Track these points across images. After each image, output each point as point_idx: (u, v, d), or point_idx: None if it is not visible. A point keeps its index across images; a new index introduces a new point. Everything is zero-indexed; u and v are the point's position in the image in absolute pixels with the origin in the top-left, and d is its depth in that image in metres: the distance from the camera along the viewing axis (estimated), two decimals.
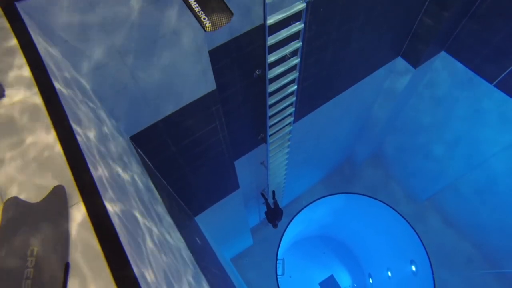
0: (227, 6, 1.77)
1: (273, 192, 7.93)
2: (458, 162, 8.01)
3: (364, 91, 6.89)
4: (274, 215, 8.40)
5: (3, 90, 1.38)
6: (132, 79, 2.56)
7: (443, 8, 5.30)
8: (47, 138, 1.28)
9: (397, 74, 7.00)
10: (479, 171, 7.68)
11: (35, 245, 1.02)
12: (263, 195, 8.11)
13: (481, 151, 7.31)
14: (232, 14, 1.78)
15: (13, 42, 1.58)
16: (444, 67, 6.76)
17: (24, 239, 1.02)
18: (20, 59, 1.52)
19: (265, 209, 8.49)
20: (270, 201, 8.11)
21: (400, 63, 6.73)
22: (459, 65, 6.40)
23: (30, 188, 1.15)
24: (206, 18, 1.67)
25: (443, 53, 6.58)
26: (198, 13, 1.73)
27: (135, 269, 1.07)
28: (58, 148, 1.25)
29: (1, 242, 1.00)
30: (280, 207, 8.39)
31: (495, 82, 6.02)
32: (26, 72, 1.48)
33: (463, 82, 6.58)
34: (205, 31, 1.71)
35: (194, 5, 1.67)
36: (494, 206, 7.89)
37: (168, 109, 3.13)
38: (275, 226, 8.88)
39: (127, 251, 1.09)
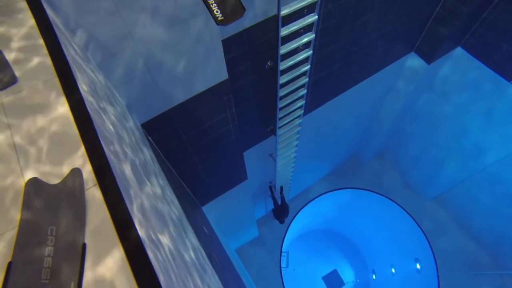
0: (240, 1, 1.77)
1: (281, 187, 7.97)
2: (468, 161, 7.90)
3: (375, 86, 6.80)
4: (281, 211, 8.49)
5: (15, 77, 1.39)
6: (145, 66, 2.58)
7: (461, 2, 5.17)
8: (63, 110, 1.30)
9: (409, 69, 6.89)
10: (489, 171, 7.57)
11: (55, 224, 1.05)
12: (270, 188, 8.14)
13: (492, 151, 7.19)
14: (244, 9, 1.78)
15: (31, 22, 1.60)
16: (459, 63, 6.62)
17: (44, 218, 1.05)
18: (40, 44, 1.54)
19: (272, 205, 8.56)
20: (277, 195, 8.15)
21: (413, 58, 6.62)
22: (476, 61, 6.25)
23: (50, 171, 1.18)
24: (219, 11, 1.69)
25: (459, 49, 6.44)
26: (211, 5, 1.73)
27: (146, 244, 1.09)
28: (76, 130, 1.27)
29: (24, 221, 1.03)
30: (287, 203, 8.44)
31: None
32: (47, 59, 1.49)
33: (479, 79, 6.44)
34: (217, 24, 1.72)
35: None
36: (502, 207, 7.79)
37: (180, 97, 3.15)
38: (282, 222, 8.98)
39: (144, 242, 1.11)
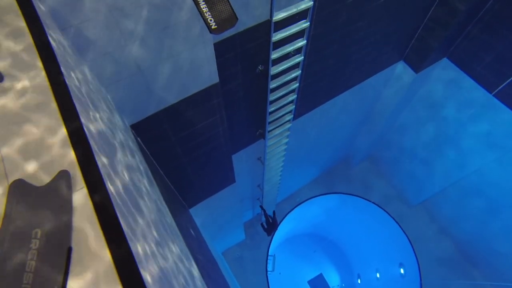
0: (233, 11, 1.82)
1: (274, 212, 8.72)
2: (451, 168, 8.10)
3: (364, 92, 6.91)
4: (271, 227, 8.90)
5: (2, 76, 1.37)
6: (137, 67, 2.56)
7: (449, 14, 5.32)
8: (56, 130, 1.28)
9: (398, 77, 7.03)
10: (472, 178, 7.77)
11: (39, 227, 1.03)
12: (262, 207, 8.61)
13: (474, 158, 7.40)
14: (237, 19, 1.84)
15: (22, 23, 1.57)
16: (445, 73, 6.80)
17: (28, 220, 1.03)
18: (29, 42, 1.52)
19: (262, 220, 8.92)
20: (270, 213, 8.53)
21: (402, 67, 6.76)
22: (460, 72, 6.45)
23: (37, 172, 1.16)
24: (213, 20, 1.72)
25: (445, 60, 6.62)
26: (205, 14, 1.77)
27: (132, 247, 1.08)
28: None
29: (6, 223, 1.01)
30: (277, 221, 9.01)
31: (494, 92, 6.07)
32: (36, 58, 1.47)
33: (462, 90, 6.64)
34: (210, 32, 1.76)
35: (202, 5, 1.71)
36: (485, 214, 7.99)
37: (171, 100, 3.13)
38: (269, 234, 9.33)
39: (130, 244, 1.10)
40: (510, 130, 6.29)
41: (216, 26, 1.76)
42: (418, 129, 8.36)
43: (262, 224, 9.41)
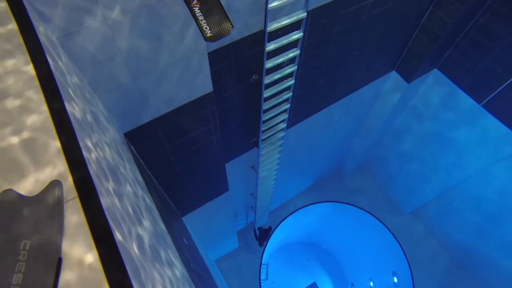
0: (228, 19, 1.84)
1: (270, 227, 9.06)
2: (443, 177, 8.19)
3: (357, 102, 6.99)
4: (263, 236, 9.02)
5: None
6: (131, 76, 2.57)
7: (438, 27, 5.45)
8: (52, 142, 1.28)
9: (390, 87, 7.14)
10: (464, 187, 7.87)
11: (28, 238, 1.02)
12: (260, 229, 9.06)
13: (465, 167, 7.50)
14: (232, 27, 1.85)
15: (12, 26, 1.57)
16: (435, 84, 6.93)
17: (17, 231, 1.02)
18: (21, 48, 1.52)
19: (255, 228, 9.03)
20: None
21: (394, 77, 6.87)
22: (450, 83, 6.57)
23: (29, 181, 1.15)
24: (208, 28, 1.74)
25: (435, 71, 6.74)
26: (200, 22, 1.78)
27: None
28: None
29: None
30: (270, 232, 9.27)
31: (483, 103, 6.19)
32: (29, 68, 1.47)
33: (452, 100, 6.76)
34: (205, 40, 1.77)
35: (198, 13, 1.73)
36: (477, 222, 8.07)
37: (165, 108, 3.14)
38: (261, 244, 9.41)
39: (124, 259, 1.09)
40: (498, 139, 6.40)
41: (211, 34, 1.77)
42: (410, 138, 8.46)
43: (254, 231, 9.43)
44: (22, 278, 0.94)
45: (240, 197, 7.78)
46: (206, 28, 1.74)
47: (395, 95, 7.16)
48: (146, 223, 2.04)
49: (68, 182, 1.17)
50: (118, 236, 1.17)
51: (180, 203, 5.07)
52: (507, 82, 5.60)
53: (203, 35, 1.76)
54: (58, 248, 1.03)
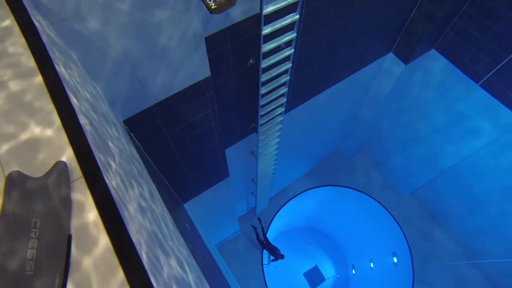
0: None
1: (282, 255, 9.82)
2: (441, 158, 8.25)
3: (355, 84, 6.98)
4: (266, 247, 9.55)
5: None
6: (128, 62, 2.56)
7: (435, 6, 5.40)
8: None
9: (388, 69, 7.11)
10: (461, 167, 7.95)
11: (38, 217, 1.05)
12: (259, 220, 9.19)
13: (462, 148, 7.56)
14: None
15: (8, 22, 1.57)
16: (433, 64, 6.90)
17: (27, 211, 1.05)
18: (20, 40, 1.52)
19: (259, 234, 9.69)
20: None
21: (391, 58, 6.84)
22: (448, 63, 6.56)
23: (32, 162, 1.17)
24: (212, 0, 1.72)
25: (433, 51, 6.71)
26: None
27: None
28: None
29: (5, 213, 1.03)
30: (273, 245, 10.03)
31: (480, 82, 6.19)
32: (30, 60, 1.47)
33: (450, 80, 6.75)
34: (210, 13, 1.76)
35: None
36: (474, 202, 8.19)
37: (163, 94, 3.14)
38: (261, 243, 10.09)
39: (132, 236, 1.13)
40: (495, 119, 6.43)
41: (216, 6, 1.77)
42: (407, 120, 8.48)
43: (259, 218, 9.70)
44: (36, 254, 0.98)
45: (240, 183, 7.84)
46: (210, 0, 1.73)
47: (392, 77, 7.14)
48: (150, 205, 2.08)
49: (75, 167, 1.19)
50: (125, 214, 1.20)
51: (182, 190, 5.12)
52: (505, 61, 5.59)
53: (208, 8, 1.76)
54: (67, 226, 1.07)
